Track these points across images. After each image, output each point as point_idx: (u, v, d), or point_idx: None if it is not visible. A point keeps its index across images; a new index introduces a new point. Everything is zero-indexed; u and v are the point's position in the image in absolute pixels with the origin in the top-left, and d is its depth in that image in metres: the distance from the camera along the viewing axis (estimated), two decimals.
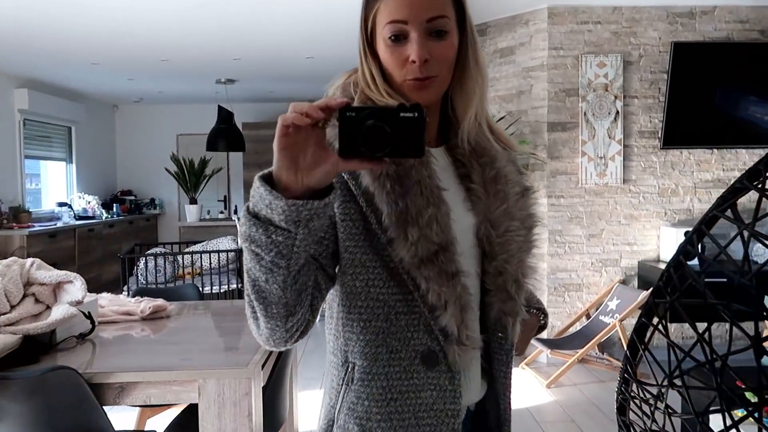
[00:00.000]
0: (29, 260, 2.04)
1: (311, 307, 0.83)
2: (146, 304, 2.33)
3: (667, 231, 4.18)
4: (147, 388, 1.68)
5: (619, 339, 4.08)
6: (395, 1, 0.85)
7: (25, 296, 1.96)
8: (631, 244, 4.31)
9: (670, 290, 0.93)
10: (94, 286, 6.27)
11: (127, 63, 5.79)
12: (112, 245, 7.21)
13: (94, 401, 1.63)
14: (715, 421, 1.65)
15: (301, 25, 4.51)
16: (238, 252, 5.27)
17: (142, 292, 2.70)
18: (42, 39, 4.80)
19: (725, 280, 3.53)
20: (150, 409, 2.64)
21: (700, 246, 0.89)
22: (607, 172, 4.24)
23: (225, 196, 8.84)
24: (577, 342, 3.93)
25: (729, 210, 0.86)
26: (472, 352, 0.90)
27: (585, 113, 4.21)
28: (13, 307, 1.90)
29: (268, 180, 0.72)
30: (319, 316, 0.88)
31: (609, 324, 3.87)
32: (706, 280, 0.86)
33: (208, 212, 8.01)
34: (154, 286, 4.68)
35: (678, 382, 0.89)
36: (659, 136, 4.24)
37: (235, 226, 6.42)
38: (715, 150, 4.31)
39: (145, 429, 2.69)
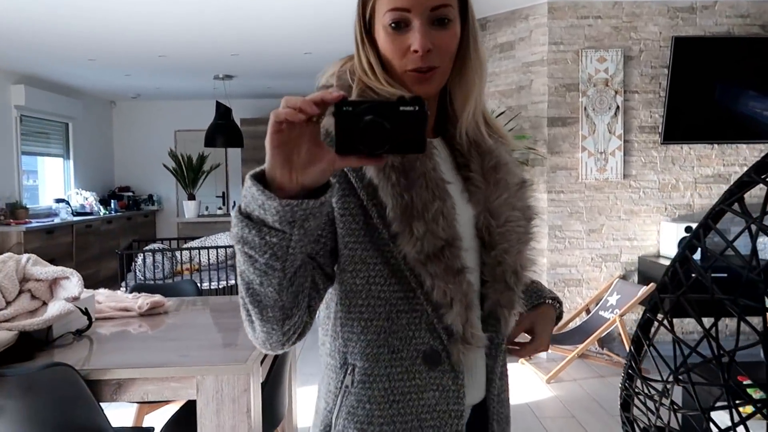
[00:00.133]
0: (25, 256, 2.02)
1: (308, 308, 0.80)
2: (144, 300, 2.32)
3: (668, 226, 4.16)
4: (144, 385, 1.66)
5: (619, 334, 4.07)
6: None
7: (21, 292, 1.94)
8: (631, 240, 4.30)
9: (676, 285, 0.92)
10: (91, 283, 6.26)
11: (124, 59, 5.76)
12: (110, 241, 7.20)
13: (90, 398, 1.61)
14: (719, 417, 1.64)
15: (299, 21, 4.48)
16: None
17: (139, 288, 2.69)
18: (38, 35, 4.77)
19: (726, 275, 3.52)
20: (148, 405, 2.63)
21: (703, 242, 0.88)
22: (607, 167, 4.22)
23: (223, 192, 8.83)
24: (577, 337, 3.93)
25: (736, 204, 0.85)
26: (477, 350, 0.88)
27: (585, 108, 4.19)
28: (8, 303, 1.88)
29: (261, 179, 0.69)
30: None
31: (609, 319, 3.86)
32: (710, 275, 0.84)
33: (207, 208, 7.99)
34: (152, 282, 4.66)
35: (683, 377, 0.88)
36: (660, 131, 4.22)
37: None
38: (716, 145, 4.29)
39: (143, 425, 2.68)
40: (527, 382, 3.83)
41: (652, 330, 1.00)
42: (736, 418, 0.76)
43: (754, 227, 0.78)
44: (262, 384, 1.85)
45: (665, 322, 0.94)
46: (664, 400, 0.93)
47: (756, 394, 1.66)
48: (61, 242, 6.11)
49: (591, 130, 4.20)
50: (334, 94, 0.65)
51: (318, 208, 0.69)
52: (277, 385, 2.12)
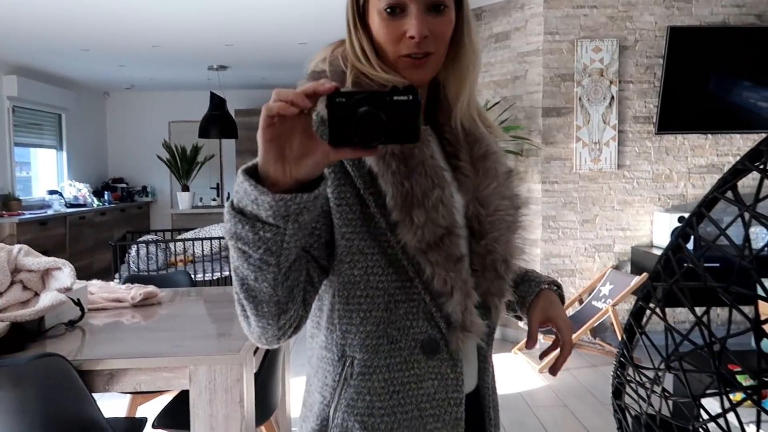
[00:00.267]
0: (17, 247, 2.00)
1: (304, 302, 0.79)
2: (137, 291, 2.31)
3: (661, 216, 4.17)
4: (137, 375, 1.66)
5: (612, 324, 4.09)
6: None
7: (12, 283, 1.93)
8: (625, 230, 4.31)
9: (669, 273, 0.92)
10: (85, 274, 6.24)
11: (118, 49, 5.72)
12: (104, 233, 7.17)
13: (83, 388, 1.61)
14: (710, 404, 1.65)
15: (294, 11, 4.45)
16: None
17: (132, 279, 2.68)
18: (31, 25, 4.73)
19: (719, 265, 3.53)
20: (141, 396, 2.63)
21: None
22: (601, 157, 4.22)
23: (218, 184, 8.80)
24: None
25: (729, 191, 0.85)
26: (475, 338, 0.88)
27: (580, 98, 4.18)
28: (0, 294, 1.87)
29: (253, 173, 0.68)
30: None
31: (602, 309, 3.88)
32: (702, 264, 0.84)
33: (201, 199, 7.97)
34: (145, 273, 4.65)
35: (675, 365, 0.88)
36: (654, 121, 4.22)
37: None
38: (710, 135, 4.30)
39: (136, 416, 2.68)
40: (520, 372, 3.85)
41: (645, 318, 1.00)
42: (727, 405, 0.76)
43: (747, 215, 0.78)
44: (255, 374, 1.85)
45: (657, 310, 0.94)
46: (655, 388, 0.93)
47: (746, 381, 1.67)
48: (54, 234, 6.09)
49: (585, 121, 4.20)
50: (327, 86, 0.63)
51: (312, 201, 0.68)
52: (270, 375, 2.12)
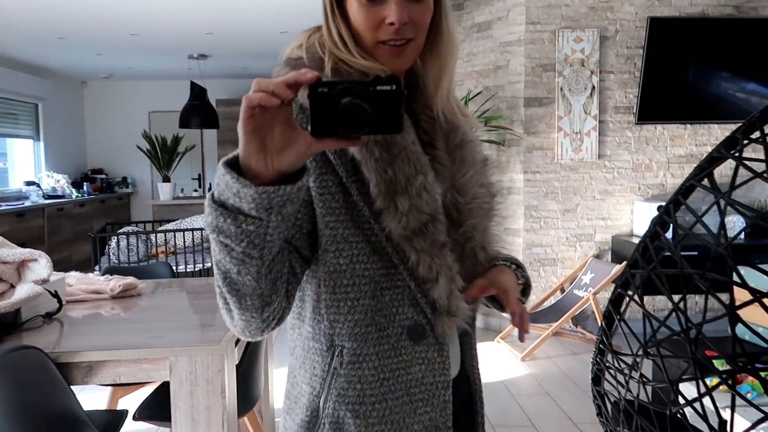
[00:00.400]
0: None
1: (287, 294, 0.79)
2: (116, 282, 2.28)
3: (641, 206, 4.22)
4: (116, 367, 1.64)
5: (593, 312, 4.13)
6: None
7: None
8: (605, 219, 4.35)
9: (647, 261, 0.92)
10: (64, 267, 6.16)
11: (95, 37, 5.61)
12: (83, 225, 7.08)
13: (61, 381, 1.59)
14: (687, 389, 1.68)
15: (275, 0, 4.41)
16: None
17: (112, 271, 2.65)
18: (4, 12, 4.62)
19: (696, 253, 3.58)
20: (122, 388, 2.60)
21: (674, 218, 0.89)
22: (582, 147, 4.25)
23: (199, 174, 8.72)
24: (552, 315, 3.98)
25: (706, 179, 0.85)
26: (460, 323, 0.88)
27: (561, 88, 4.20)
28: None
29: (234, 165, 0.67)
30: None
31: (583, 297, 3.92)
32: (680, 252, 0.85)
33: (182, 190, 7.89)
34: (126, 265, 4.60)
35: (653, 351, 0.89)
36: (634, 111, 4.26)
37: None
38: (689, 125, 4.35)
39: (117, 408, 2.66)
40: (502, 360, 3.88)
41: (623, 305, 1.01)
42: (703, 390, 0.77)
43: (722, 202, 0.79)
44: (237, 365, 1.84)
45: (636, 297, 0.95)
46: (633, 374, 0.94)
47: (723, 366, 1.70)
48: (32, 226, 5.99)
49: (567, 111, 4.22)
50: (308, 75, 0.62)
51: (296, 193, 0.67)
52: (253, 366, 2.11)
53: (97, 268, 4.72)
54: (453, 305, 0.86)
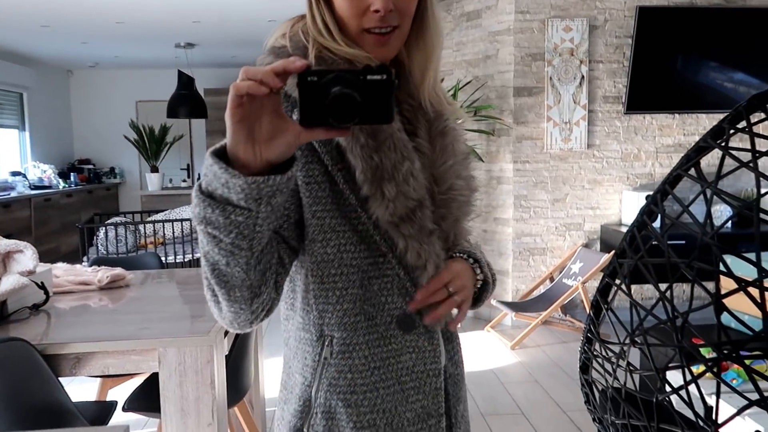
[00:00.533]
0: None
1: (275, 284, 0.78)
2: (103, 274, 2.27)
3: (629, 195, 4.24)
4: (104, 358, 1.63)
5: (582, 301, 4.17)
6: None
7: None
8: (594, 209, 4.38)
9: (634, 250, 0.93)
10: (52, 258, 6.11)
11: (80, 25, 5.53)
12: (71, 215, 7.02)
13: (48, 373, 1.58)
14: (674, 377, 1.70)
15: None
16: None
17: (99, 262, 2.63)
18: None
19: (684, 242, 3.62)
20: (111, 379, 2.59)
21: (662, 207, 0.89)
22: (571, 137, 4.26)
23: (188, 164, 8.66)
24: (541, 304, 4.01)
25: (693, 169, 0.86)
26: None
27: (551, 78, 4.20)
28: None
29: (222, 155, 0.66)
30: None
31: (572, 286, 3.95)
32: (667, 241, 0.85)
33: (171, 181, 7.84)
34: (114, 256, 4.57)
35: (639, 340, 0.90)
36: (623, 101, 4.27)
37: None
38: (677, 115, 4.37)
39: (107, 399, 2.65)
40: (492, 349, 3.90)
41: (611, 294, 1.01)
42: (689, 377, 0.78)
43: (709, 192, 0.79)
44: (226, 355, 1.84)
45: (623, 286, 0.95)
46: (620, 362, 0.95)
47: (709, 354, 1.72)
48: (18, 217, 5.93)
49: (556, 100, 4.22)
50: (298, 63, 0.62)
51: (285, 183, 0.66)
52: (243, 356, 2.11)
53: (85, 259, 4.69)
54: None
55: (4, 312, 1.83)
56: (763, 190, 3.95)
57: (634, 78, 4.17)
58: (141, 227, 5.08)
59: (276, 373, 3.36)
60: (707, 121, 4.38)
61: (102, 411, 1.97)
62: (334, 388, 0.85)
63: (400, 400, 0.87)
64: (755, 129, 0.62)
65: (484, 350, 3.88)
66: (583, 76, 4.21)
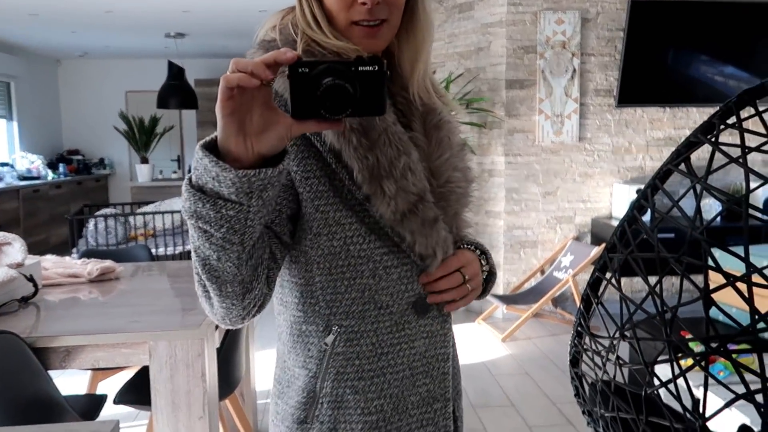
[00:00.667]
0: None
1: (267, 280, 0.78)
2: (93, 266, 2.25)
3: (620, 188, 4.26)
4: (94, 352, 1.63)
5: (572, 294, 4.19)
6: None
7: None
8: (585, 202, 4.39)
9: (624, 244, 0.93)
10: (41, 249, 6.07)
11: (68, 14, 5.47)
12: (60, 207, 6.96)
13: (38, 366, 1.57)
14: (663, 370, 1.71)
15: None
16: None
17: (89, 254, 2.61)
18: None
19: (673, 235, 3.64)
20: (102, 372, 2.58)
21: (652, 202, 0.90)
22: (563, 130, 4.27)
23: (178, 156, 8.61)
24: (532, 297, 4.03)
25: (683, 164, 0.86)
26: None
27: (543, 71, 4.20)
28: None
29: (212, 149, 0.65)
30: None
31: (562, 279, 3.97)
32: (657, 235, 0.86)
33: (161, 172, 7.79)
34: (103, 247, 4.54)
35: (629, 333, 0.90)
36: (614, 94, 4.28)
37: None
38: (668, 108, 4.38)
39: (97, 392, 2.64)
40: (483, 341, 3.92)
41: (601, 288, 1.02)
42: (677, 371, 0.79)
43: (698, 187, 0.80)
44: (217, 348, 1.84)
45: (613, 280, 0.96)
46: (610, 356, 0.95)
47: (698, 347, 1.74)
48: (6, 208, 5.88)
49: (548, 93, 4.22)
50: (288, 55, 0.61)
51: (277, 176, 0.66)
52: (234, 349, 2.11)
53: (74, 251, 4.66)
54: None
55: None
56: (752, 185, 3.98)
57: (626, 71, 4.18)
58: (131, 219, 5.05)
59: (268, 365, 3.36)
60: (698, 115, 4.40)
61: (92, 404, 1.96)
62: (341, 377, 0.85)
63: (408, 385, 0.88)
64: (745, 124, 0.62)
65: (476, 343, 3.90)
66: (575, 69, 4.21)
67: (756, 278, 0.56)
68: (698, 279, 0.95)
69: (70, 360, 1.63)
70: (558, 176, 4.34)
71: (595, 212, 4.41)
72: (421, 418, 0.90)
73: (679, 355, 0.81)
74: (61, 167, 7.49)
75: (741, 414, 1.38)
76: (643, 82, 4.24)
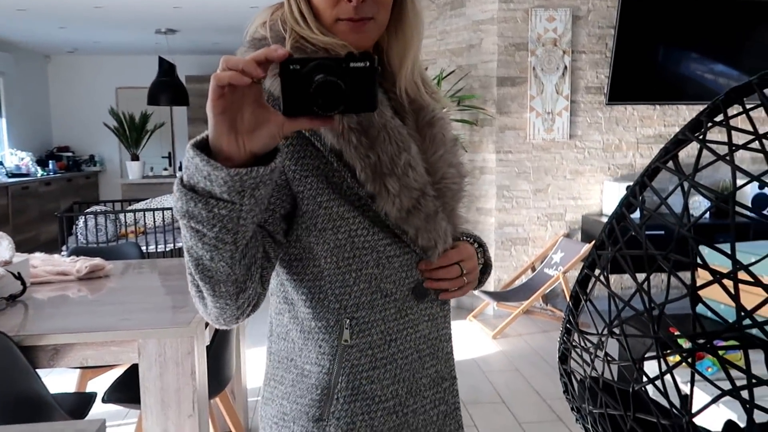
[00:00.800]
0: None
1: (261, 279, 0.78)
2: (82, 264, 2.24)
3: (610, 185, 4.28)
4: (83, 350, 1.62)
5: (563, 290, 4.21)
6: None
7: None
8: (576, 199, 4.41)
9: (613, 241, 0.94)
10: (31, 247, 6.02)
11: (57, 9, 5.42)
12: (50, 204, 6.91)
13: (26, 365, 1.56)
14: (651, 367, 1.72)
15: None
16: None
17: (78, 252, 2.59)
18: None
19: (663, 232, 3.66)
20: (91, 370, 2.57)
21: (640, 199, 0.90)
22: (554, 127, 4.28)
23: (169, 153, 8.57)
24: (523, 294, 4.04)
25: (671, 161, 0.86)
26: None
27: (534, 68, 4.21)
28: None
29: (204, 147, 0.65)
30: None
31: (553, 276, 3.98)
32: (645, 232, 0.86)
33: (152, 169, 7.75)
34: (94, 245, 4.51)
35: (617, 330, 0.91)
36: (605, 91, 4.29)
37: None
38: (658, 106, 4.40)
39: (86, 390, 2.63)
40: (474, 338, 3.93)
41: (590, 285, 1.02)
42: (665, 367, 0.79)
43: (686, 184, 0.80)
44: (207, 346, 1.83)
45: (602, 277, 0.96)
46: (598, 353, 0.96)
47: (686, 344, 1.75)
48: None
49: (539, 91, 4.23)
50: (279, 52, 0.60)
51: (269, 174, 0.65)
52: (224, 347, 2.10)
53: (64, 248, 4.63)
54: None
55: None
56: (739, 183, 4.01)
57: (617, 69, 4.20)
58: (121, 216, 5.02)
59: (259, 363, 3.35)
60: (687, 112, 4.42)
61: (81, 402, 1.95)
62: (356, 369, 0.86)
63: (417, 368, 0.90)
64: (733, 122, 0.62)
65: (467, 339, 3.91)
66: (566, 67, 4.22)
67: (742, 275, 0.56)
68: (686, 276, 0.95)
69: (58, 358, 1.62)
70: (549, 173, 4.35)
71: (586, 209, 4.42)
72: (434, 398, 0.93)
73: (667, 351, 0.82)
74: (51, 164, 7.44)
75: (728, 410, 1.39)
76: (633, 80, 4.26)
